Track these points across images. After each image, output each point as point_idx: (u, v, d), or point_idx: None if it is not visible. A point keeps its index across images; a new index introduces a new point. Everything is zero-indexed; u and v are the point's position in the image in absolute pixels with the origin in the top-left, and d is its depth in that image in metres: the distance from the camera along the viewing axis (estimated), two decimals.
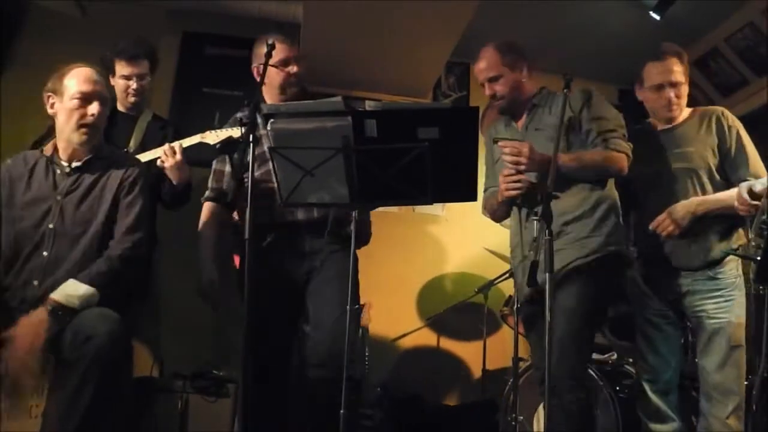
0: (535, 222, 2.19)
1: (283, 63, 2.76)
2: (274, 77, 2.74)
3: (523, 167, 2.51)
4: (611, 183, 2.67)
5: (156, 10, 4.46)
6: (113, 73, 3.21)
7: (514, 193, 2.57)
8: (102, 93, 2.50)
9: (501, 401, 3.52)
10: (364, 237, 2.81)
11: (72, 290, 2.27)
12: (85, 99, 2.44)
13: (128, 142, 3.21)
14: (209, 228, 2.79)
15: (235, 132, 3.28)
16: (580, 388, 2.44)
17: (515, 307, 3.25)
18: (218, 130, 3.27)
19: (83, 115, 2.44)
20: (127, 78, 3.22)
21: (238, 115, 2.84)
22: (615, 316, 3.56)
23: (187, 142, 3.12)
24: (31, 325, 2.18)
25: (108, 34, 3.92)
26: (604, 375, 3.33)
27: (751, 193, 2.27)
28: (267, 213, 2.63)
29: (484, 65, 2.72)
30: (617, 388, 3.32)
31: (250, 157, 2.15)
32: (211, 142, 3.26)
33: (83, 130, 2.45)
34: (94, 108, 2.44)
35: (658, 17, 3.97)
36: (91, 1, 4.29)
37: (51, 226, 2.41)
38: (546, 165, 2.45)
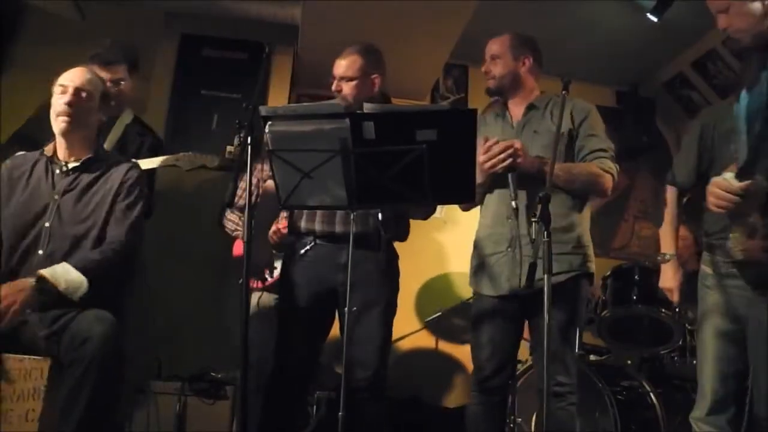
0: (534, 223, 2.19)
1: None
2: None
3: (520, 161, 2.52)
4: (587, 210, 2.75)
5: (154, 12, 4.46)
6: None
7: (502, 165, 2.51)
8: (82, 86, 2.50)
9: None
10: (402, 234, 2.83)
11: (62, 271, 2.28)
12: (64, 91, 2.48)
13: (103, 142, 3.20)
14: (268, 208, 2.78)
15: (210, 161, 3.29)
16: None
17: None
18: (194, 156, 3.27)
19: (59, 104, 2.47)
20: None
21: None
22: (613, 317, 3.57)
23: (161, 162, 3.11)
24: (14, 288, 2.21)
25: (106, 36, 3.92)
26: (602, 376, 3.33)
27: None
28: (311, 219, 2.70)
29: (491, 45, 2.80)
30: (616, 389, 3.32)
31: (248, 158, 2.15)
32: (185, 168, 3.26)
33: (59, 119, 2.46)
34: (65, 97, 2.46)
35: (655, 19, 3.97)
36: (90, 2, 4.29)
37: (47, 224, 2.42)
38: (535, 168, 2.53)
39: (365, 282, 2.49)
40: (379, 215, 2.50)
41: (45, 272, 2.26)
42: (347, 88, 2.69)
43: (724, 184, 2.05)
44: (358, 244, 2.42)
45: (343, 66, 2.71)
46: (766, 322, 2.13)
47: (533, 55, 2.78)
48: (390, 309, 2.70)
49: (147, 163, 3.19)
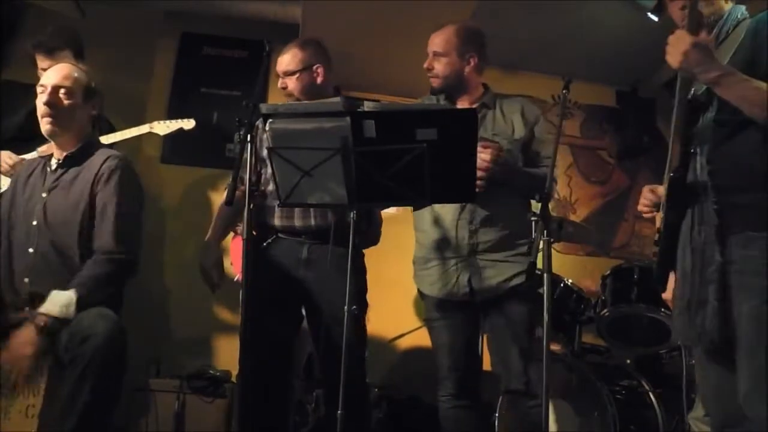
0: (533, 222, 2.19)
1: None
2: None
3: (497, 169, 2.47)
4: None
5: (154, 11, 4.46)
6: (36, 66, 3.12)
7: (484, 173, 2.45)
8: (62, 84, 2.44)
9: (497, 403, 3.52)
10: (372, 237, 2.80)
11: (66, 301, 2.22)
12: (43, 91, 2.45)
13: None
14: (222, 211, 2.77)
15: (186, 124, 3.29)
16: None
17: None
18: (169, 121, 3.28)
19: (39, 105, 2.44)
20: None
21: None
22: (612, 317, 3.57)
23: (136, 131, 3.12)
24: (19, 347, 2.17)
25: (107, 35, 3.93)
26: (602, 376, 3.33)
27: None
28: (271, 215, 2.67)
29: (435, 39, 2.67)
30: (615, 388, 3.32)
31: (248, 158, 2.15)
32: (161, 133, 3.28)
33: (43, 120, 2.44)
34: (43, 97, 2.43)
35: (656, 19, 3.97)
36: (90, 1, 4.29)
37: (34, 223, 2.42)
38: (508, 174, 2.50)
39: (330, 279, 2.46)
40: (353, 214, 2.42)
41: (51, 311, 2.20)
42: (291, 83, 2.69)
43: (648, 193, 2.10)
44: (320, 239, 2.41)
45: (284, 62, 2.71)
46: None
47: (479, 53, 2.65)
48: (360, 305, 2.62)
49: (125, 134, 3.18)
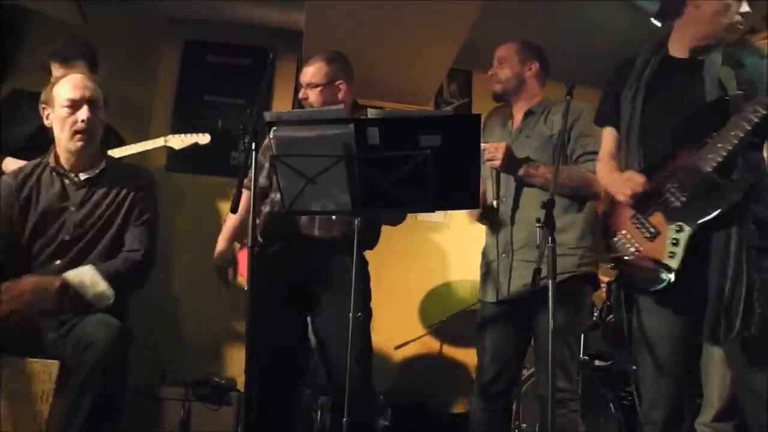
0: (538, 229, 2.19)
1: None
2: None
3: (497, 163, 2.56)
4: (590, 204, 2.70)
5: (158, 17, 4.48)
6: (50, 74, 3.10)
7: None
8: (93, 98, 2.45)
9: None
10: (372, 241, 2.80)
11: (90, 282, 2.27)
12: (75, 105, 2.41)
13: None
14: (231, 218, 2.80)
15: (202, 138, 3.30)
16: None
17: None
18: (184, 135, 3.30)
19: (74, 122, 2.41)
20: None
21: None
22: (617, 322, 3.56)
23: (151, 144, 3.12)
24: (39, 285, 2.23)
25: (110, 41, 3.94)
26: (607, 381, 3.32)
27: None
28: (285, 223, 2.68)
29: (500, 49, 2.84)
30: (621, 394, 3.31)
31: (253, 164, 2.16)
32: (176, 147, 3.29)
33: (77, 137, 2.42)
34: (83, 113, 2.41)
35: (659, 24, 3.97)
36: (94, 8, 4.31)
37: (67, 238, 2.41)
38: (520, 169, 2.57)
39: (339, 287, 2.47)
40: (356, 221, 2.40)
41: (72, 279, 2.25)
42: (313, 95, 2.72)
43: (639, 178, 2.16)
44: (329, 248, 2.42)
45: (308, 73, 2.74)
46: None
47: (540, 62, 2.81)
48: (366, 313, 2.65)
49: (139, 147, 3.18)
